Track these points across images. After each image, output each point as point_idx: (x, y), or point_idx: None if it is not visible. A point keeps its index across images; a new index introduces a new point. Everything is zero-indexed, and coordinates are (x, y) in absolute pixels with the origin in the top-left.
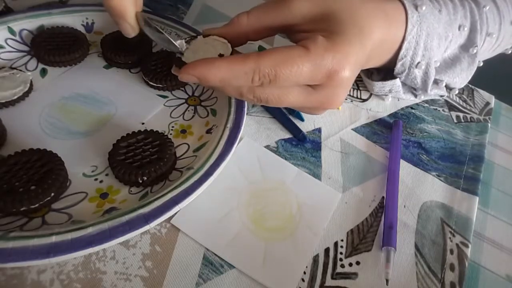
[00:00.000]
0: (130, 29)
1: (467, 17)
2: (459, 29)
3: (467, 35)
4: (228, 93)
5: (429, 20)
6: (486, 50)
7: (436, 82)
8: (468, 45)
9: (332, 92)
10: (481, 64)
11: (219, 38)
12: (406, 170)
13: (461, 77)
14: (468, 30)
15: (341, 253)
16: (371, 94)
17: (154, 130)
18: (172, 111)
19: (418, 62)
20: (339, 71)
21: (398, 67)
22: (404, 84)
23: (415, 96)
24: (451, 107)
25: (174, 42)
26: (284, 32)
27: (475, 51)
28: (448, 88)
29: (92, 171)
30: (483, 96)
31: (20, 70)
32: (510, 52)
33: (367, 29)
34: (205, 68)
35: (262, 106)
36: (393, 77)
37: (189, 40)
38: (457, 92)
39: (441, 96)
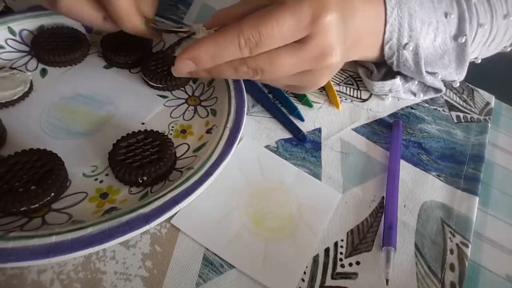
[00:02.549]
0: (151, 36)
1: (454, 7)
2: (445, 16)
3: (456, 24)
4: (225, 73)
5: (409, 2)
6: (480, 43)
7: (431, 75)
8: (457, 34)
9: (322, 41)
10: (479, 61)
11: (207, 30)
12: (406, 170)
13: (451, 68)
14: (457, 19)
15: (341, 253)
16: (371, 94)
17: (154, 130)
18: (172, 111)
19: (406, 43)
20: (320, 15)
21: (386, 50)
22: (404, 83)
23: (415, 95)
24: (451, 107)
25: (183, 34)
26: None
27: (463, 40)
28: (446, 82)
29: (92, 171)
30: (483, 96)
31: (20, 70)
32: (509, 50)
33: None
34: (194, 50)
35: (262, 106)
36: (393, 76)
37: (179, 41)
38: (458, 85)
39: (438, 91)
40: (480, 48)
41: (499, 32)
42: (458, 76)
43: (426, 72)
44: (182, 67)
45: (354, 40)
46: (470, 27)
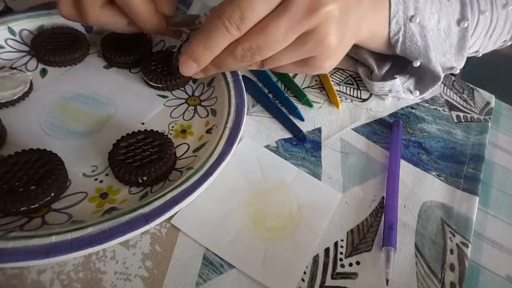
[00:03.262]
0: (173, 36)
1: None
2: None
3: (459, 8)
4: (227, 62)
5: None
6: (482, 33)
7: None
8: (460, 19)
9: None
10: (480, 54)
11: None
12: (406, 170)
13: (450, 54)
14: (459, 3)
15: (341, 253)
16: (371, 94)
17: (154, 130)
18: (172, 111)
19: (413, 16)
20: None
21: (393, 26)
22: (403, 83)
23: (412, 93)
24: (451, 107)
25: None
26: None
27: (466, 24)
28: (446, 70)
29: (92, 171)
30: (484, 95)
31: (20, 70)
32: (509, 44)
33: None
34: (189, 47)
35: (262, 106)
36: (392, 77)
37: (180, 48)
38: (457, 71)
39: (437, 80)
40: (482, 39)
41: (499, 21)
42: (457, 63)
43: None
44: (187, 70)
45: (355, 6)
46: (471, 12)
